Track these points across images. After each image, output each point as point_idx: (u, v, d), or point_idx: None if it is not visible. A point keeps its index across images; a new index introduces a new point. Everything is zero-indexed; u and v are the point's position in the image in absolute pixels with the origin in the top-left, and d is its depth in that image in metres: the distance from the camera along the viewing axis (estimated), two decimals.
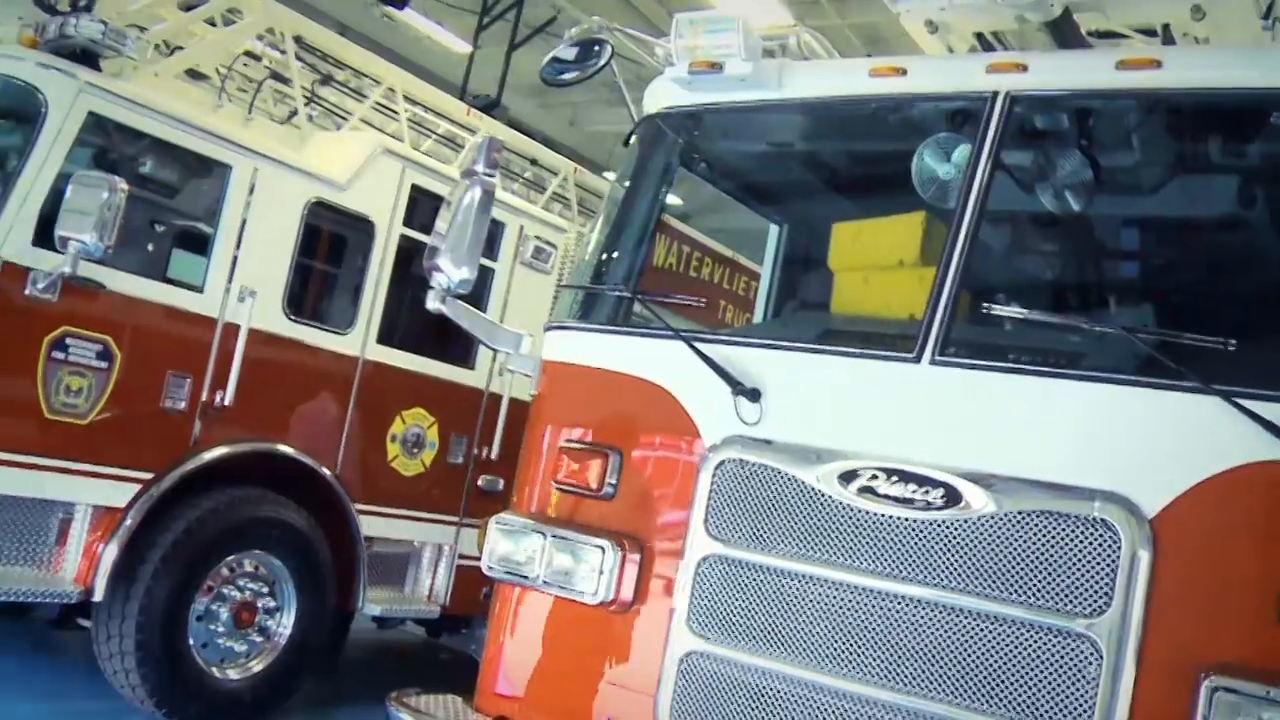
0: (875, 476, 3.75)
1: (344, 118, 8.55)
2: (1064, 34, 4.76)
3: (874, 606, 3.70)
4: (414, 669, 10.03)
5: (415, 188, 7.74)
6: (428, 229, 7.89)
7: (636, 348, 4.53)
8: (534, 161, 9.92)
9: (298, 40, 8.03)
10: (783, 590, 3.87)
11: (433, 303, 4.46)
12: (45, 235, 5.88)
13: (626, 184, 5.12)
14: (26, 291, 5.87)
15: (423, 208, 7.82)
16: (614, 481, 4.36)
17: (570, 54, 5.02)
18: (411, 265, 7.84)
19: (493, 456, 8.33)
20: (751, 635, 3.90)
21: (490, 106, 10.58)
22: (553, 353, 4.70)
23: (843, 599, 3.75)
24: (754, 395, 4.09)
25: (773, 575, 3.91)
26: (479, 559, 8.57)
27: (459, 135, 9.32)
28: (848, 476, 3.79)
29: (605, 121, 19.57)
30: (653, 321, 4.58)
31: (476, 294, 8.31)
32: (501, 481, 8.42)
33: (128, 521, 6.33)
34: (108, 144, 6.35)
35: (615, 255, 5.02)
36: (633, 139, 5.04)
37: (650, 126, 5.05)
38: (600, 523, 4.35)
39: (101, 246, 5.69)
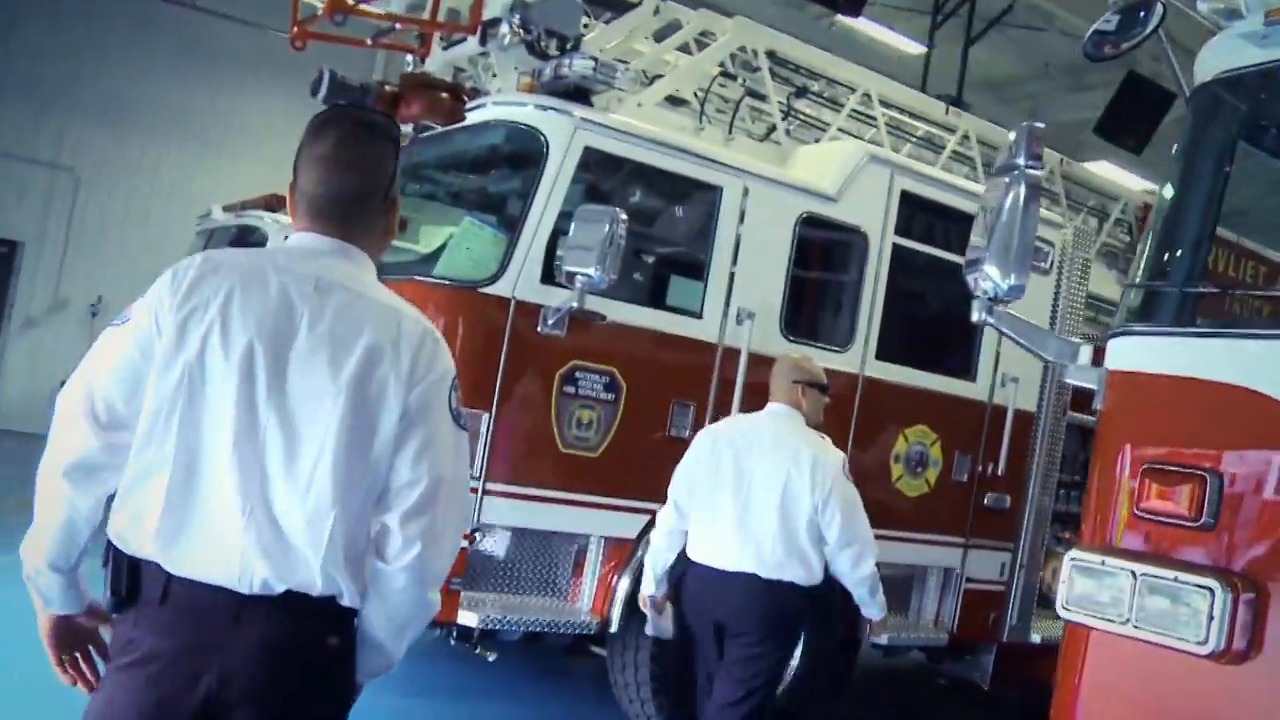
0: None
1: (822, 129, 8.06)
2: None
3: None
4: (913, 695, 9.37)
5: (905, 194, 7.11)
6: (920, 237, 7.37)
7: (1228, 351, 3.67)
8: None
9: (770, 55, 7.64)
10: None
11: (977, 314, 3.80)
12: (548, 271, 5.76)
13: (1181, 166, 4.24)
14: (539, 329, 5.75)
15: (913, 215, 7.18)
16: (1213, 509, 3.52)
17: (1112, 24, 4.21)
18: (905, 275, 7.24)
19: (998, 473, 7.54)
20: None
21: (954, 103, 9.80)
22: (1121, 361, 3.90)
23: None
24: None
25: None
26: (988, 582, 7.96)
27: (938, 136, 8.62)
28: None
29: (1068, 109, 18.09)
30: (1242, 321, 3.70)
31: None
32: (1008, 499, 7.64)
33: (640, 553, 6.09)
34: (602, 177, 6.16)
35: (1177, 248, 4.16)
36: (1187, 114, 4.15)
37: (1207, 95, 4.15)
38: (1198, 558, 3.52)
39: (605, 278, 5.47)
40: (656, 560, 5.13)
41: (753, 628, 4.85)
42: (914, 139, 8.60)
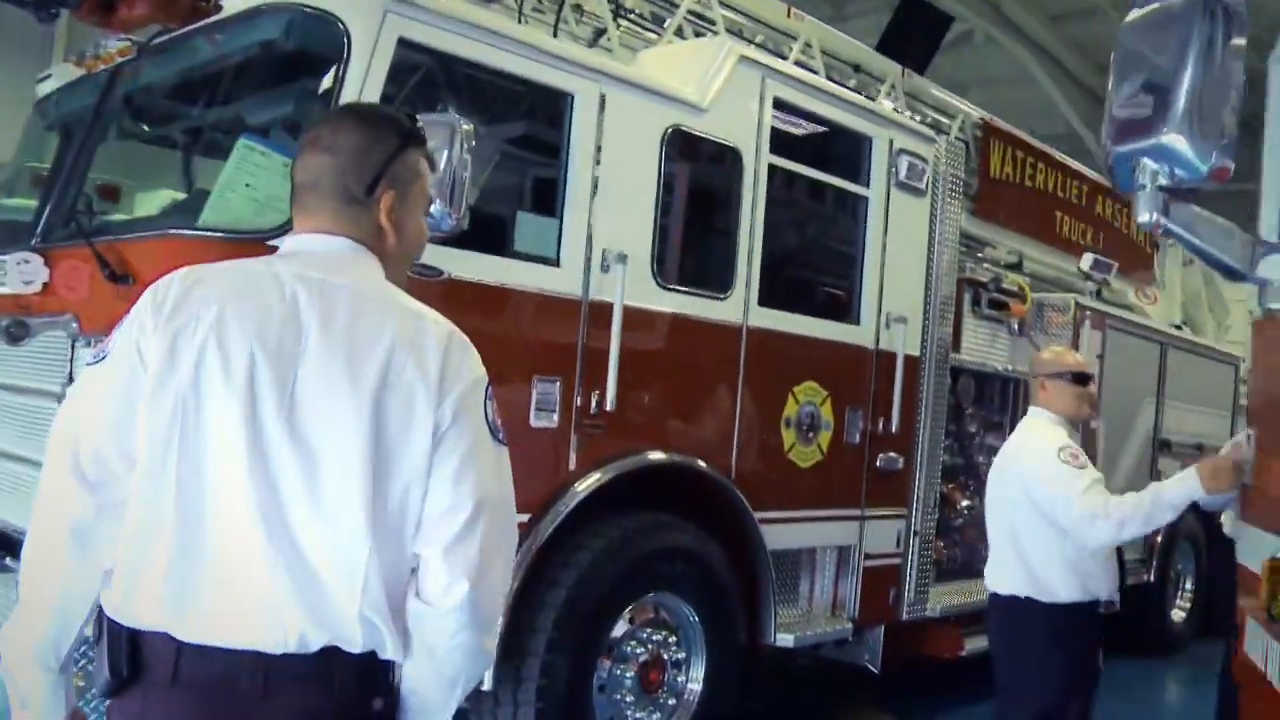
0: None
1: (655, 34, 6.52)
2: None
3: None
4: (778, 682, 8.06)
5: (779, 102, 5.66)
6: (796, 155, 5.93)
7: None
8: (858, 68, 7.74)
9: None
10: None
11: (1148, 213, 2.35)
12: None
13: None
14: None
15: (788, 128, 5.75)
16: None
17: None
18: (781, 203, 5.81)
19: (892, 430, 6.26)
20: None
21: None
22: None
23: None
24: None
25: None
26: (885, 556, 6.69)
27: (776, 42, 7.21)
28: None
29: None
30: None
31: (849, 229, 6.25)
32: (901, 460, 6.37)
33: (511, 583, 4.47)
34: (420, 82, 4.43)
35: None
36: None
37: None
38: None
39: (452, 217, 3.78)
40: None
41: None
42: (752, 45, 7.15)
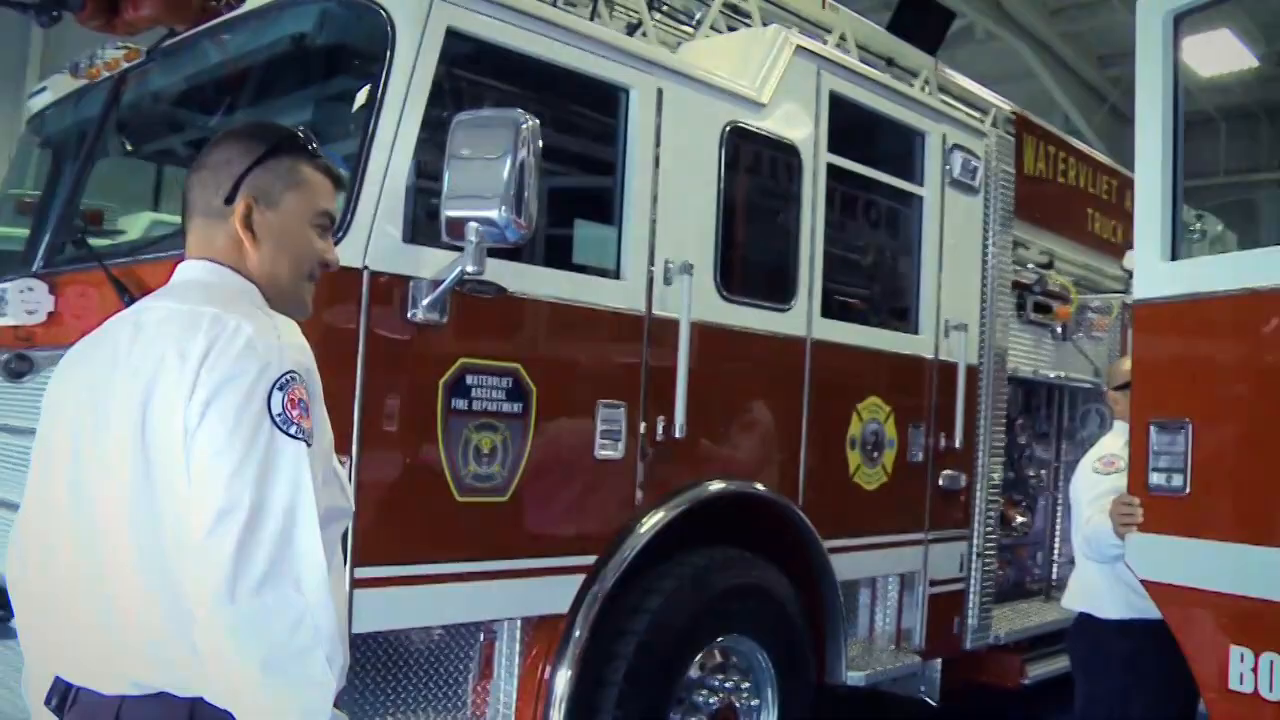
0: None
1: (690, 26, 6.04)
2: None
3: None
4: None
5: (835, 97, 5.20)
6: (853, 154, 5.46)
7: None
8: (891, 61, 7.29)
9: None
10: None
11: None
12: (414, 222, 3.56)
13: None
14: (409, 315, 3.51)
15: (845, 125, 5.29)
16: None
17: None
18: (841, 205, 5.36)
19: (954, 446, 5.81)
20: None
21: None
22: None
23: None
24: None
25: None
26: (949, 581, 6.22)
27: (815, 35, 6.74)
28: None
29: None
30: None
31: (905, 231, 5.81)
32: (963, 477, 5.92)
33: (576, 633, 3.98)
34: (471, 78, 3.94)
35: None
36: None
37: None
38: None
39: (515, 224, 3.30)
40: None
41: None
42: None
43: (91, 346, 2.00)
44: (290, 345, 1.86)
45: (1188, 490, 3.29)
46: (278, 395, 1.78)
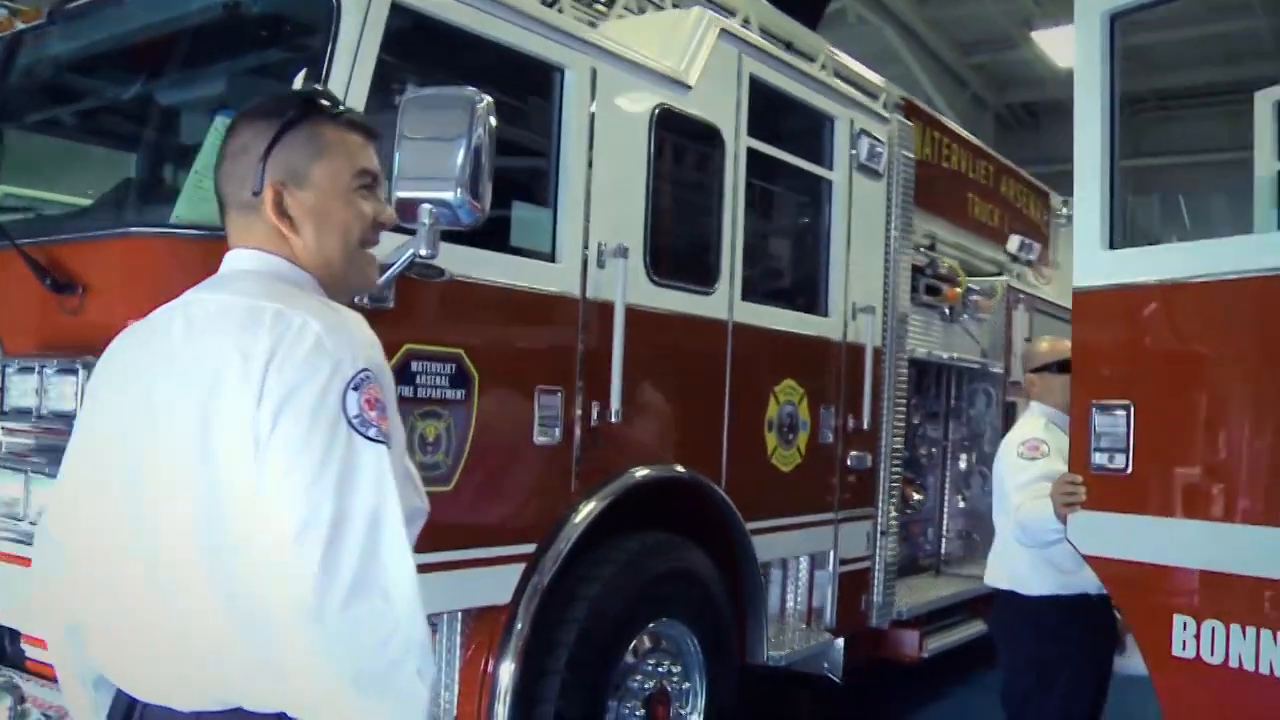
0: None
1: (603, 10, 5.96)
2: None
3: None
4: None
5: (755, 81, 5.20)
6: (770, 139, 5.48)
7: None
8: (789, 45, 7.33)
9: None
10: None
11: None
12: None
13: None
14: (357, 300, 3.37)
15: (763, 110, 5.29)
16: None
17: None
18: (759, 189, 5.37)
19: (862, 427, 5.90)
20: None
21: None
22: None
23: None
24: None
25: None
26: (857, 560, 6.32)
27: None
28: None
29: None
30: None
31: (816, 215, 5.85)
32: (869, 457, 6.02)
33: (519, 624, 3.92)
34: (413, 54, 3.80)
35: None
36: None
37: None
38: None
39: (473, 207, 3.19)
40: None
41: None
42: None
43: (140, 337, 1.88)
44: (361, 341, 1.75)
45: (1129, 469, 3.39)
46: (353, 396, 1.66)
